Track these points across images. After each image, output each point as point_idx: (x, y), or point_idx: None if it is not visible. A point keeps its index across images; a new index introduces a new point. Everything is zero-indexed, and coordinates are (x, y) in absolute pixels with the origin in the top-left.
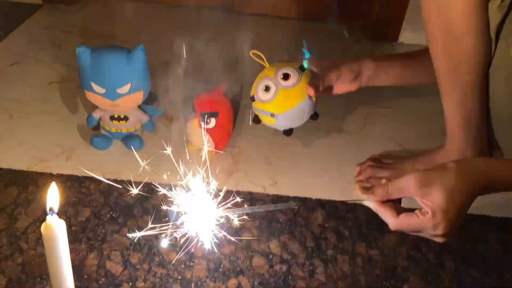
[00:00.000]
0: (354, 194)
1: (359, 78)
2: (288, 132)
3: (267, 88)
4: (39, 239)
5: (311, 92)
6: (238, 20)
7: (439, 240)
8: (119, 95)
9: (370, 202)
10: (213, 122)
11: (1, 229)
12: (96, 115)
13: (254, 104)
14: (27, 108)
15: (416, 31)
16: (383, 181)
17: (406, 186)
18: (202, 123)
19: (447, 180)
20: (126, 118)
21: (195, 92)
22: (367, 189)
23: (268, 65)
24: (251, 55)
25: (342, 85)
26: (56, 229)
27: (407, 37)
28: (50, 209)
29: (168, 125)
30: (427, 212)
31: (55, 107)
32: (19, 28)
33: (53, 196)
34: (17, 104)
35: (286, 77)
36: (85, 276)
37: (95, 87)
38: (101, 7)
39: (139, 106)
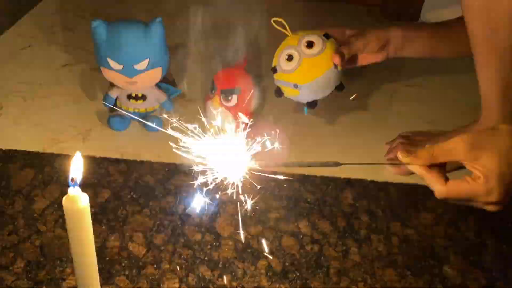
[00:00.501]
0: (384, 173)
1: (386, 48)
2: (312, 104)
3: (290, 58)
4: (57, 220)
5: (337, 60)
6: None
7: (491, 208)
8: (137, 71)
9: (414, 167)
10: (234, 99)
11: (18, 211)
12: (113, 94)
13: (276, 76)
14: (41, 91)
15: (439, 7)
16: (427, 146)
17: (454, 149)
18: (223, 101)
19: (500, 142)
20: (144, 97)
21: (213, 69)
22: (410, 152)
23: (290, 33)
24: (272, 23)
25: (368, 55)
26: (78, 202)
27: (429, 15)
28: (72, 180)
29: (186, 105)
30: (479, 177)
31: (70, 89)
32: (29, 13)
33: (76, 166)
34: (30, 87)
35: (310, 45)
36: (107, 258)
37: (111, 63)
38: None
39: (157, 85)
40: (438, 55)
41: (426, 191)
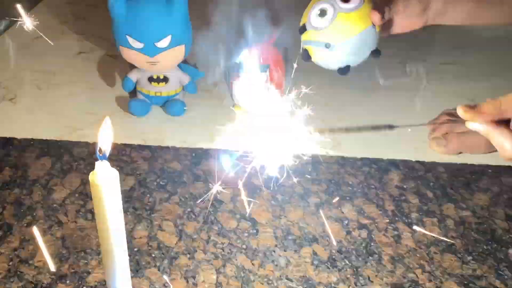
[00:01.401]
0: (430, 153)
1: (426, 12)
2: (344, 70)
3: (322, 12)
4: (79, 211)
5: (377, 17)
6: None
7: None
8: (159, 49)
9: (477, 124)
10: (263, 77)
11: (37, 201)
12: (133, 76)
13: (304, 36)
14: (56, 79)
15: None
16: (488, 99)
17: None
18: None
19: None
20: (166, 79)
21: (239, 48)
22: (472, 108)
23: None
24: None
25: (407, 19)
26: (106, 177)
27: None
28: (100, 151)
29: (210, 89)
30: None
31: (86, 76)
32: (40, 3)
33: (105, 134)
34: (44, 75)
35: None
36: (135, 249)
37: (131, 41)
38: None
39: (179, 66)
40: (480, 22)
41: (477, 170)
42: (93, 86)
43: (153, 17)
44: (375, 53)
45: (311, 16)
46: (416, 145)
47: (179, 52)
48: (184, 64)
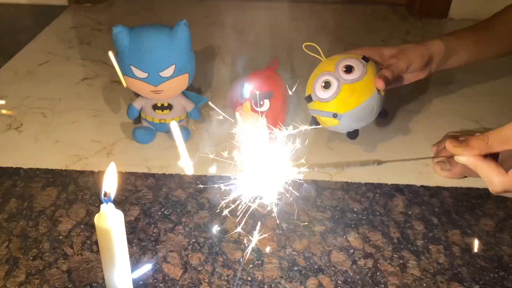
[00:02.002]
0: (435, 178)
1: (429, 64)
2: (353, 134)
3: (327, 85)
4: (84, 242)
5: (381, 85)
6: (272, 7)
7: None
8: (163, 79)
9: (466, 158)
10: (267, 103)
11: (42, 233)
12: (137, 105)
13: (310, 106)
14: (61, 106)
15: (468, 2)
16: (477, 134)
17: None
18: (254, 106)
19: None
20: (170, 107)
21: (242, 74)
22: (461, 143)
23: (324, 58)
24: (303, 48)
25: (412, 74)
26: (112, 220)
27: (459, 12)
28: (105, 195)
29: (214, 114)
30: None
31: (90, 103)
32: (46, 29)
33: (110, 179)
34: (49, 103)
35: (349, 70)
36: (140, 282)
37: (135, 71)
38: (128, 3)
39: (183, 93)
40: (481, 59)
41: (482, 194)
42: (98, 113)
43: (157, 47)
44: (383, 113)
45: (316, 88)
46: (420, 169)
47: (183, 81)
48: (187, 91)
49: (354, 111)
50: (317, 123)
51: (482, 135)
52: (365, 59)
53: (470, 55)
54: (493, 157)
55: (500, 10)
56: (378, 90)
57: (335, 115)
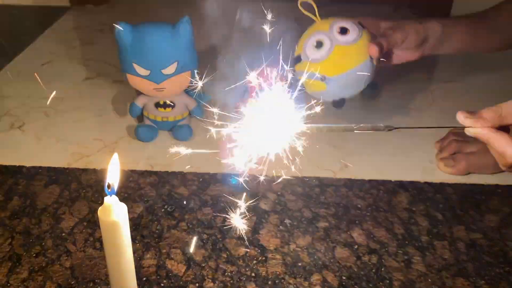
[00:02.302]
0: (439, 174)
1: (424, 44)
2: (339, 103)
3: (319, 44)
4: (87, 239)
5: (375, 51)
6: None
7: None
8: (165, 76)
9: (477, 130)
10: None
11: (45, 230)
12: (139, 103)
13: (298, 67)
14: (63, 105)
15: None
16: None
17: None
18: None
19: None
20: (172, 105)
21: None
22: (472, 114)
23: (319, 19)
24: (299, 6)
25: (403, 53)
26: (116, 212)
27: (461, 12)
28: (109, 186)
29: (217, 112)
30: None
31: (93, 102)
32: (48, 30)
33: (114, 170)
34: (52, 102)
35: (344, 31)
36: (144, 279)
37: (137, 68)
38: (130, 4)
39: (185, 91)
40: (475, 50)
41: (487, 190)
42: (100, 111)
43: (159, 45)
44: (372, 86)
45: (307, 47)
46: (424, 165)
47: (186, 78)
48: (190, 90)
49: (344, 75)
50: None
51: (495, 106)
52: (362, 25)
53: (464, 43)
54: (504, 131)
55: (498, 4)
56: (371, 58)
57: (323, 78)
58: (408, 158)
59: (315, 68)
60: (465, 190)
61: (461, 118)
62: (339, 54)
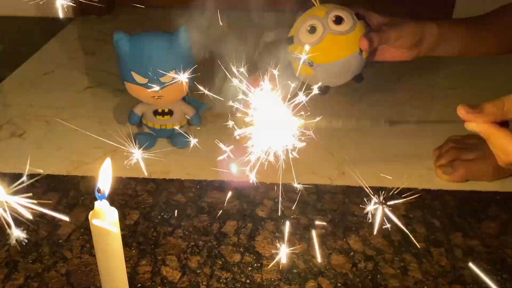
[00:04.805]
0: (437, 181)
1: (419, 45)
2: (324, 90)
3: (312, 29)
4: (84, 246)
5: (365, 45)
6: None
7: None
8: (163, 84)
9: (478, 125)
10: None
11: (42, 237)
12: (138, 111)
13: (290, 48)
14: (64, 114)
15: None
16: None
17: None
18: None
19: None
20: (170, 113)
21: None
22: (474, 108)
23: (318, 4)
24: None
25: (397, 51)
26: (106, 217)
27: (462, 14)
28: (99, 191)
29: (215, 120)
30: None
31: (93, 111)
32: (52, 40)
33: (105, 174)
34: (53, 111)
35: (338, 21)
36: (139, 285)
37: (136, 77)
38: (133, 15)
39: (183, 99)
40: (473, 55)
41: (485, 197)
42: (100, 120)
43: (157, 53)
44: (358, 78)
45: (300, 30)
46: (422, 172)
47: (183, 86)
48: (189, 97)
49: (330, 65)
50: (286, 70)
51: (497, 100)
52: (358, 16)
53: (461, 46)
54: (505, 126)
55: (496, 8)
56: (361, 51)
57: (310, 64)
58: (406, 166)
59: (305, 53)
60: (463, 197)
61: (462, 112)
62: (330, 43)
